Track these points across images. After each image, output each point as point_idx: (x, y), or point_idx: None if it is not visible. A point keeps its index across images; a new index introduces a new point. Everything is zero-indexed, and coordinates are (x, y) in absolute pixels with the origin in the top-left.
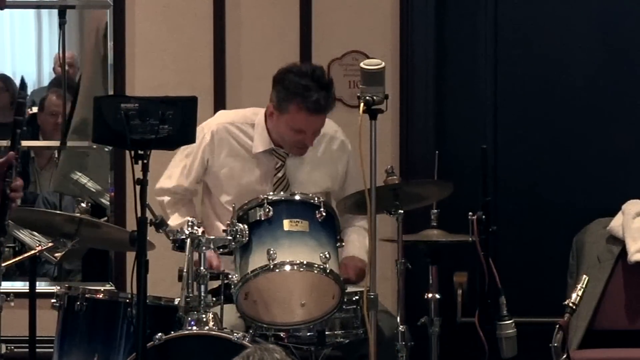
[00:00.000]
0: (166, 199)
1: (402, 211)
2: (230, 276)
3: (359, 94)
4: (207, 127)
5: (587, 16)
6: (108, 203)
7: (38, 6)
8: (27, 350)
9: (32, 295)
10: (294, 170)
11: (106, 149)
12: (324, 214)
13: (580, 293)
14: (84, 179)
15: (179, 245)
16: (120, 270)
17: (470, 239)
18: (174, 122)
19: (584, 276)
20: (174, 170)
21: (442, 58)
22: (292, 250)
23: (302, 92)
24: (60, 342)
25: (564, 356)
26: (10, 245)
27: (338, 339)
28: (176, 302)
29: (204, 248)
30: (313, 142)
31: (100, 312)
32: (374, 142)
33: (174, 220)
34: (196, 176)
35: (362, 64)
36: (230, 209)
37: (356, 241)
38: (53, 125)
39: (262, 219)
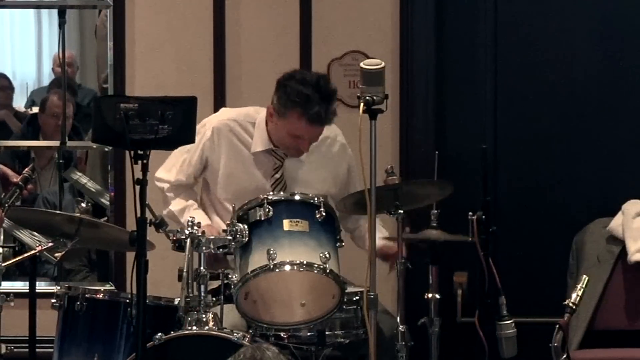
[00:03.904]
0: (166, 185)
1: (402, 211)
2: (230, 276)
3: (359, 94)
4: (209, 123)
5: (587, 16)
6: (108, 203)
7: (38, 6)
8: (27, 350)
9: (32, 295)
10: (292, 172)
11: (106, 149)
12: (324, 214)
13: (580, 293)
14: (84, 179)
15: (179, 245)
16: (120, 270)
17: (470, 238)
18: (174, 122)
19: (584, 276)
20: (174, 164)
21: (442, 58)
22: (292, 250)
23: (304, 102)
24: (60, 342)
25: (564, 356)
26: (10, 245)
27: (338, 339)
28: (176, 302)
29: (204, 248)
30: (309, 148)
31: (100, 312)
32: (374, 142)
33: (175, 205)
34: (194, 171)
35: (362, 64)
36: (229, 206)
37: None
38: (54, 127)
39: (262, 219)
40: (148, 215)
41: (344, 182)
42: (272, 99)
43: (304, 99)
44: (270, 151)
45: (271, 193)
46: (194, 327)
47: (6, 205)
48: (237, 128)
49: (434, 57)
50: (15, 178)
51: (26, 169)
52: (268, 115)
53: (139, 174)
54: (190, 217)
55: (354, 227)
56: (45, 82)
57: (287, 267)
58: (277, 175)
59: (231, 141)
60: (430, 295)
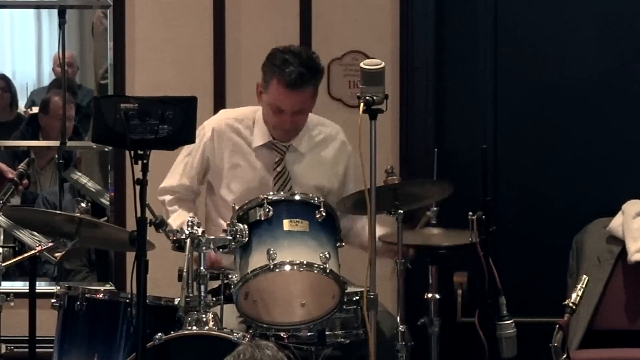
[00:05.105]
0: (167, 197)
1: (402, 211)
2: (230, 276)
3: (359, 94)
4: (209, 124)
5: (587, 16)
6: (108, 203)
7: (38, 6)
8: (27, 350)
9: (32, 295)
10: (293, 164)
11: (106, 149)
12: (324, 214)
13: (580, 293)
14: (83, 179)
15: (179, 245)
16: (120, 270)
17: (470, 239)
18: (174, 122)
19: (584, 276)
20: (176, 169)
21: (442, 58)
22: (292, 250)
23: (281, 65)
24: (60, 342)
25: (564, 356)
26: (10, 245)
27: (338, 339)
28: (176, 302)
29: (204, 248)
30: (294, 128)
31: (100, 312)
32: (374, 142)
33: (174, 220)
34: (197, 174)
35: (362, 64)
36: (233, 205)
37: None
38: (58, 129)
39: (262, 219)
40: (148, 215)
41: (342, 179)
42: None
43: (282, 62)
44: (271, 144)
45: (271, 193)
46: (194, 327)
47: (0, 202)
48: (237, 125)
49: (434, 57)
50: (11, 174)
51: (21, 164)
52: (258, 94)
53: (139, 174)
54: (190, 216)
55: (349, 226)
56: (46, 82)
57: (287, 267)
58: (279, 169)
59: (232, 138)
60: (429, 295)
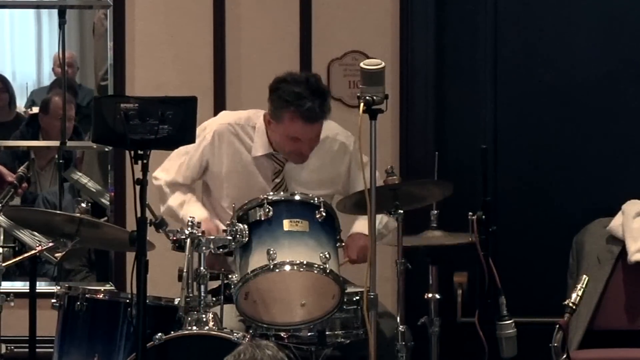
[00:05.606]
0: (163, 182)
1: (401, 211)
2: (230, 276)
3: (359, 94)
4: (210, 127)
5: (587, 16)
6: (108, 203)
7: (38, 6)
8: (27, 350)
9: (32, 295)
10: (292, 176)
11: (106, 149)
12: (324, 214)
13: (580, 293)
14: (84, 179)
15: (179, 245)
16: (120, 270)
17: (470, 238)
18: (174, 122)
19: (584, 276)
20: (172, 165)
21: (442, 58)
22: (292, 250)
23: (296, 100)
24: (60, 342)
25: (564, 356)
26: (10, 245)
27: (338, 339)
28: (176, 302)
29: (204, 248)
30: (310, 151)
31: (100, 312)
32: (374, 142)
33: (173, 200)
34: (192, 174)
35: (362, 64)
36: (230, 209)
37: (361, 219)
38: (59, 129)
39: (262, 219)
40: (148, 215)
41: (345, 181)
42: (268, 106)
43: (296, 97)
44: (271, 155)
45: (271, 193)
46: (194, 327)
47: (0, 205)
48: (239, 131)
49: (434, 57)
50: (11, 177)
51: (21, 167)
52: (266, 123)
53: (139, 174)
54: (190, 217)
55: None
56: (45, 82)
57: (287, 267)
58: (278, 180)
59: (233, 144)
60: (430, 295)
